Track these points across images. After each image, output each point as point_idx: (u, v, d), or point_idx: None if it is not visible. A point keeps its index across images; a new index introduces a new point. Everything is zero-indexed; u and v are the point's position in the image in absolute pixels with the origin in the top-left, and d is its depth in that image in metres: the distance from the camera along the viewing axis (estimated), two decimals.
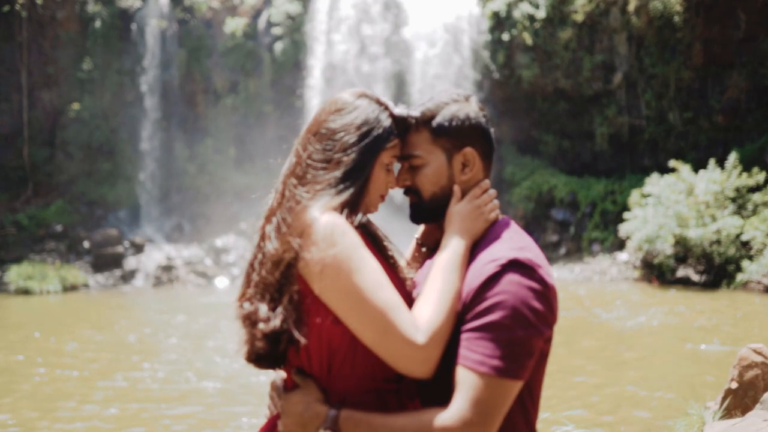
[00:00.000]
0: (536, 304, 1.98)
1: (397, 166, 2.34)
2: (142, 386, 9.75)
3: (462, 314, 2.02)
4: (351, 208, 2.10)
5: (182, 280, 22.97)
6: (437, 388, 2.03)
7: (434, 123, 2.24)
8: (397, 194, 2.34)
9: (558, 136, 25.97)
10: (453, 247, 2.12)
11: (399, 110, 2.26)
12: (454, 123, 2.23)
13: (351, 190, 2.11)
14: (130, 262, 23.49)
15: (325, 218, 2.02)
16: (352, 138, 2.15)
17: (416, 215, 2.34)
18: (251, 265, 2.20)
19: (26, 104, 26.14)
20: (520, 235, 2.17)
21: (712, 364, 9.98)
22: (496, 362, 1.93)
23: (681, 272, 19.03)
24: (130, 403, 8.89)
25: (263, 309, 2.07)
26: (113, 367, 10.94)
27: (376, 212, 2.30)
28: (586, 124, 25.49)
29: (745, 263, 17.48)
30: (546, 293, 2.02)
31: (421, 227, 2.49)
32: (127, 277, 23.02)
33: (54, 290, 20.78)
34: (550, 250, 22.79)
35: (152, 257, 23.70)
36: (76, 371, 10.68)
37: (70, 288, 21.37)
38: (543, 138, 26.03)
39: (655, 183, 19.81)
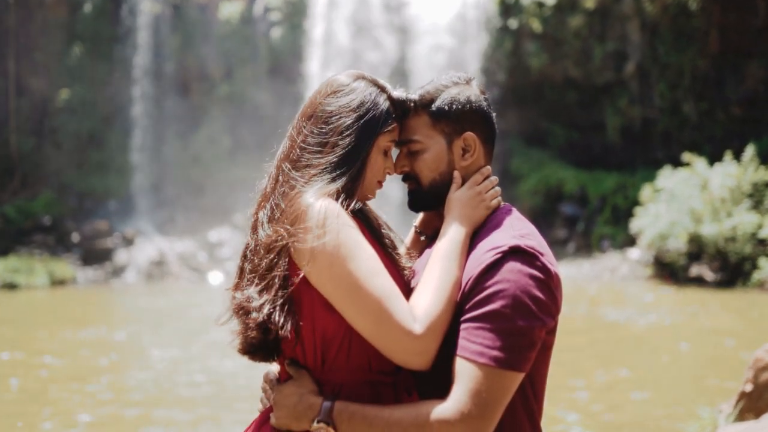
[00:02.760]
0: (538, 293, 1.98)
1: (395, 153, 2.35)
2: (122, 390, 9.71)
3: (461, 304, 2.02)
4: (347, 193, 2.10)
5: (175, 275, 23.00)
6: (435, 381, 2.04)
7: (434, 107, 2.25)
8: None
9: (567, 127, 25.96)
10: (452, 234, 2.13)
11: (397, 93, 2.27)
12: (454, 107, 2.24)
13: (347, 175, 2.12)
14: (121, 256, 23.53)
15: (319, 204, 2.03)
16: (348, 121, 2.15)
17: (415, 202, 2.35)
18: (244, 253, 2.21)
19: (13, 92, 26.18)
20: (522, 222, 2.18)
21: (726, 366, 9.99)
22: (496, 353, 1.93)
23: (695, 270, 19.03)
24: (108, 407, 8.73)
25: (256, 298, 2.08)
26: (94, 369, 10.92)
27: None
28: (597, 115, 25.47)
29: (761, 261, 17.47)
30: (548, 282, 2.02)
31: (420, 215, 2.50)
32: (118, 271, 23.05)
33: (41, 285, 20.81)
34: (558, 247, 22.77)
35: (144, 251, 23.72)
36: (54, 372, 10.67)
37: (58, 282, 21.40)
38: (551, 129, 26.02)
39: (668, 177, 19.80)
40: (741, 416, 5.77)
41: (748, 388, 5.79)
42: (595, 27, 24.56)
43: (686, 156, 19.73)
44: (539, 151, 25.87)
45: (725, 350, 11.01)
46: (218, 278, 22.62)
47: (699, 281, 18.73)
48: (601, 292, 18.07)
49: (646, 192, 20.53)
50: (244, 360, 2.22)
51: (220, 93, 26.97)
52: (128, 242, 24.14)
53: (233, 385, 9.79)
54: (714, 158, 20.16)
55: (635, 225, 20.12)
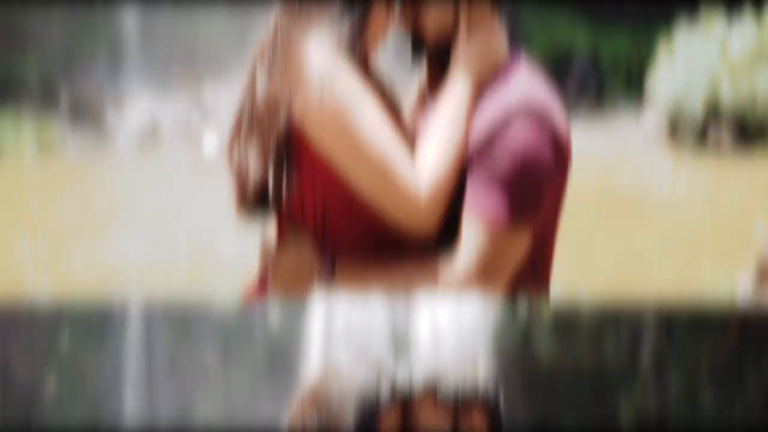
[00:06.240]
0: (546, 150, 1.99)
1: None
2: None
3: (467, 162, 2.02)
4: (349, 44, 2.06)
5: (168, 141, 22.95)
6: (439, 244, 2.06)
7: None
8: None
9: None
10: (457, 90, 2.11)
11: None
12: None
13: (349, 25, 2.08)
14: (111, 121, 23.41)
15: (320, 55, 2.00)
16: None
17: (418, 57, 2.31)
18: (240, 109, 2.19)
19: None
20: (531, 77, 2.15)
21: (742, 237, 9.99)
22: (503, 210, 1.94)
23: (712, 137, 18.94)
24: None
25: (254, 156, 2.08)
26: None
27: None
28: None
29: None
30: (557, 138, 2.03)
31: (423, 73, 2.46)
32: (107, 138, 22.97)
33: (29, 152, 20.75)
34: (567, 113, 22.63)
35: (135, 114, 23.54)
36: None
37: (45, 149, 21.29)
38: None
39: (685, 38, 19.46)
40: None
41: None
42: None
43: (705, 14, 19.34)
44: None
45: (741, 220, 11.03)
46: (212, 142, 22.54)
47: (716, 148, 18.67)
48: (612, 161, 18.03)
49: (661, 54, 20.23)
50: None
51: None
52: (118, 104, 23.99)
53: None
54: (734, 17, 19.73)
55: (650, 87, 19.90)
